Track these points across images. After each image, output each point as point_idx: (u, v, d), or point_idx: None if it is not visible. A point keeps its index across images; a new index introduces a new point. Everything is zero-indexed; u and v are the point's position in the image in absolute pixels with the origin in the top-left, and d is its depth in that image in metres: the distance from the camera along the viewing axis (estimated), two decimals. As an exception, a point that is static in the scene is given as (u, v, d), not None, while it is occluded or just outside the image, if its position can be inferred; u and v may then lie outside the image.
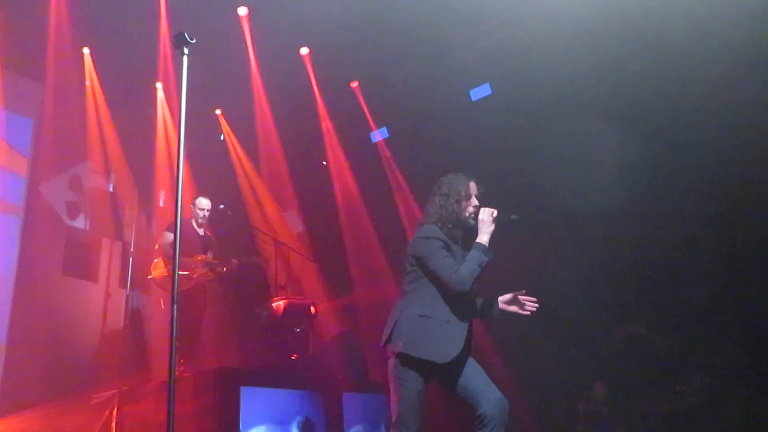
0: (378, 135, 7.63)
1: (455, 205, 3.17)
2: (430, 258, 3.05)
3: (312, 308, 6.28)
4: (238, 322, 6.44)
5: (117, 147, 6.89)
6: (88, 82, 6.61)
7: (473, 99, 7.02)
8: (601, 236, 6.09)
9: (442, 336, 3.00)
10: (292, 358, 5.89)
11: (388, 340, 3.10)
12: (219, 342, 5.87)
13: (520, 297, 3.21)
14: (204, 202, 5.87)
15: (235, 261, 5.93)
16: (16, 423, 5.09)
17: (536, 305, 3.19)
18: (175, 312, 2.69)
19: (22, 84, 6.42)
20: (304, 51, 6.89)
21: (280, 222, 7.40)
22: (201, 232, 5.93)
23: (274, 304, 6.17)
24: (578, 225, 6.15)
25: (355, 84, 7.26)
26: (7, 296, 5.99)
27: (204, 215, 5.85)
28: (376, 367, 5.75)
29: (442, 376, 3.07)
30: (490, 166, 6.15)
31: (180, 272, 5.34)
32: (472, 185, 3.24)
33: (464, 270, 3.01)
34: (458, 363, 3.04)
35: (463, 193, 3.18)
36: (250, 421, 4.75)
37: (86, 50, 6.53)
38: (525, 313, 3.19)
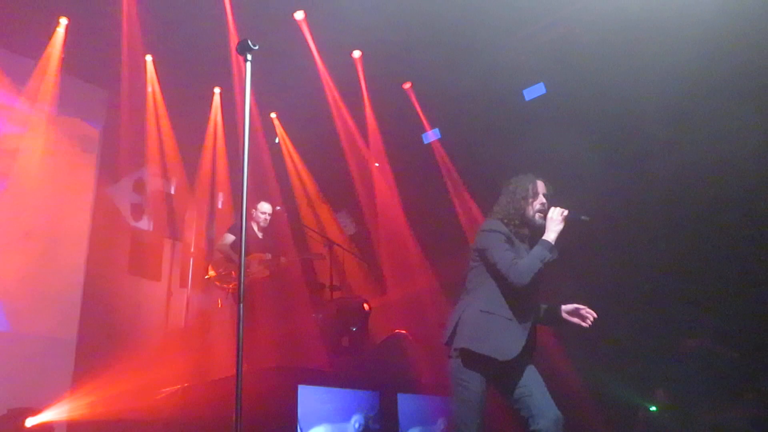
0: (431, 136, 7.59)
1: (521, 202, 3.15)
2: (489, 249, 3.04)
3: (365, 305, 6.31)
4: (293, 321, 6.45)
5: (176, 151, 7.08)
6: (150, 89, 6.82)
7: (527, 98, 6.91)
8: (667, 242, 5.82)
9: (505, 333, 2.97)
10: (348, 357, 5.93)
11: (451, 337, 3.07)
12: (276, 341, 5.86)
13: (581, 311, 3.16)
14: (265, 207, 6.07)
15: (284, 259, 6.05)
16: (87, 412, 5.33)
17: (594, 316, 3.14)
18: (242, 311, 2.74)
19: (89, 90, 6.72)
20: (356, 54, 6.90)
21: (332, 223, 7.46)
22: (260, 235, 6.09)
23: (328, 305, 6.30)
24: (644, 230, 5.91)
25: (407, 85, 7.23)
26: (78, 293, 6.22)
27: (265, 219, 6.04)
28: (429, 368, 5.80)
29: (503, 379, 3.02)
30: (544, 167, 6.15)
31: (232, 271, 5.70)
32: (540, 184, 3.22)
33: (524, 263, 2.98)
34: (519, 367, 3.00)
35: (530, 191, 3.16)
36: (308, 419, 4.76)
37: (149, 57, 6.73)
38: (585, 325, 3.14)
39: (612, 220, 5.63)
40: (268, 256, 5.98)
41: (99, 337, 6.12)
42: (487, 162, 6.74)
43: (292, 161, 7.64)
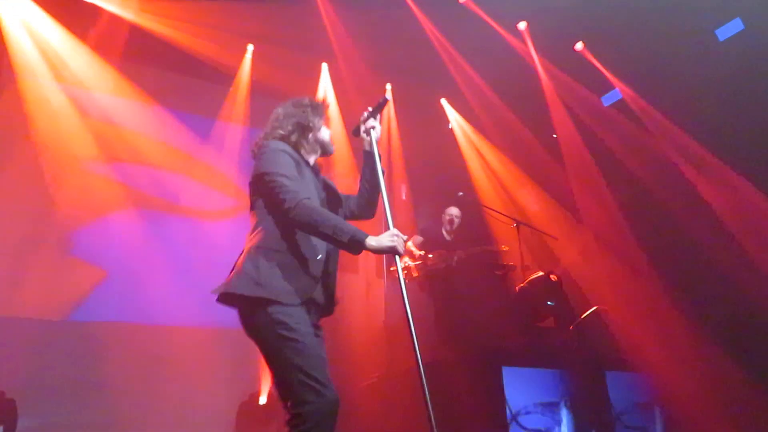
0: (611, 97, 7.10)
1: (314, 121, 2.87)
2: (270, 173, 2.68)
3: (552, 276, 6.12)
4: (487, 305, 6.28)
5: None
6: (322, 94, 7.27)
7: (721, 39, 6.19)
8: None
9: (289, 274, 2.59)
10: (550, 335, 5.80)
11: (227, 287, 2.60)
12: (474, 325, 5.84)
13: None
14: (454, 211, 6.26)
15: (456, 257, 6.07)
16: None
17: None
18: (408, 307, 2.79)
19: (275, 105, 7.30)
20: (522, 26, 6.73)
21: (516, 202, 7.32)
22: (449, 238, 6.27)
23: (518, 284, 6.20)
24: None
25: (580, 46, 6.80)
26: None
27: (451, 220, 6.22)
28: (634, 344, 5.50)
29: None
30: (739, 112, 5.49)
31: (413, 262, 5.94)
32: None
33: (317, 210, 2.54)
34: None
35: (319, 111, 2.89)
36: (516, 400, 4.76)
37: (324, 64, 7.24)
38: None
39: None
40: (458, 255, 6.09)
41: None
42: (677, 117, 6.29)
43: (470, 143, 7.57)
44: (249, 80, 6.84)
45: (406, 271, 6.18)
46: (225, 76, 6.76)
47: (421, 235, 6.21)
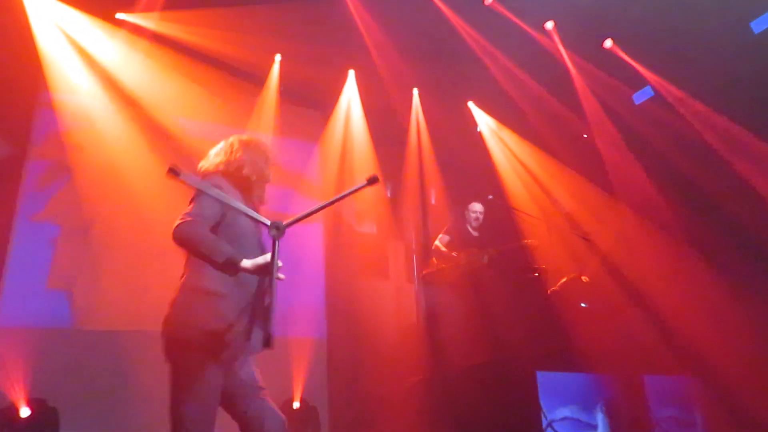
0: (642, 95, 6.92)
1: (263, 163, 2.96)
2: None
3: (583, 278, 6.08)
4: (520, 308, 6.23)
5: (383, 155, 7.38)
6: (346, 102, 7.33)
7: (756, 32, 6.02)
8: None
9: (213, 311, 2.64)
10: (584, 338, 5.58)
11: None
12: (506, 329, 5.70)
13: None
14: (477, 206, 6.32)
15: (485, 257, 6.09)
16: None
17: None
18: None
19: (302, 113, 7.46)
20: (549, 25, 6.65)
21: (549, 195, 7.22)
22: (475, 234, 6.33)
23: (548, 287, 6.13)
24: None
25: (609, 43, 6.64)
26: (322, 297, 6.89)
27: (476, 218, 6.28)
28: (672, 347, 5.33)
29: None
30: None
31: (444, 265, 5.98)
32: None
33: (201, 232, 2.60)
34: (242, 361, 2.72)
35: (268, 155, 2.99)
36: (552, 406, 4.71)
37: (351, 71, 7.28)
38: None
39: None
40: (486, 257, 6.08)
41: (344, 335, 6.72)
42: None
43: (500, 143, 7.51)
44: (277, 89, 6.91)
45: (439, 273, 6.20)
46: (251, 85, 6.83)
47: (447, 234, 6.30)
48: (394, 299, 7.42)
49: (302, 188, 7.11)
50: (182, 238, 2.53)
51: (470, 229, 6.33)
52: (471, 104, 7.67)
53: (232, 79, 6.58)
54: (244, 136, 3.00)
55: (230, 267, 2.50)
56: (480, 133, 7.64)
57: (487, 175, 7.34)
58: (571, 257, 6.67)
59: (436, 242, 6.33)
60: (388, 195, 7.52)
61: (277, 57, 6.91)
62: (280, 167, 6.71)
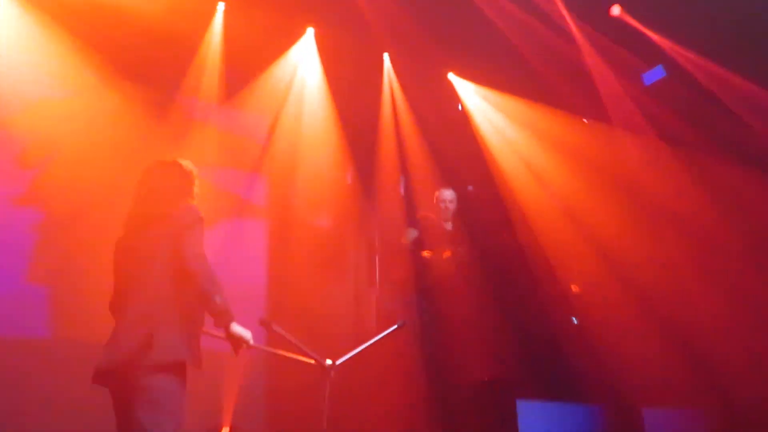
0: (652, 75, 6.58)
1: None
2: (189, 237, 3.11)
3: (573, 286, 6.10)
4: (498, 322, 5.97)
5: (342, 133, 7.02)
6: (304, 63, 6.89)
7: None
8: None
9: None
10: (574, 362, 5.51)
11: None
12: (488, 347, 5.52)
13: None
14: (447, 194, 6.05)
15: (463, 248, 5.84)
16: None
17: None
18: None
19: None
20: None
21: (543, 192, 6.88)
22: (449, 226, 6.03)
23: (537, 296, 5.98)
24: None
25: (616, 10, 6.18)
26: (262, 304, 6.48)
27: (446, 207, 6.00)
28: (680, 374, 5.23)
29: None
30: None
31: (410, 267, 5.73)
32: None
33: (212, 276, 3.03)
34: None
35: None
36: (532, 438, 4.59)
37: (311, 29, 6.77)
38: None
39: None
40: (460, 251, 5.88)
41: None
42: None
43: (492, 128, 7.10)
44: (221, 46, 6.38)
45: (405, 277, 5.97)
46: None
47: (415, 226, 6.04)
48: (353, 306, 7.10)
49: (252, 166, 6.80)
50: (202, 274, 2.91)
51: (442, 222, 6.03)
52: (452, 76, 7.29)
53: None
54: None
55: (226, 318, 2.99)
56: (462, 112, 7.28)
57: (470, 160, 6.98)
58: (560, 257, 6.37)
59: (403, 239, 6.09)
60: (349, 181, 7.20)
61: (220, 6, 6.33)
62: (229, 141, 6.64)
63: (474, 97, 7.17)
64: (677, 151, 6.29)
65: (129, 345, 2.81)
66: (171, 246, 2.93)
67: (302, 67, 6.81)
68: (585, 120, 6.79)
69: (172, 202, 3.12)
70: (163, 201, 3.13)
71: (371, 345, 3.76)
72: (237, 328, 3.01)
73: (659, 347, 5.46)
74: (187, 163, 3.33)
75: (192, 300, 2.94)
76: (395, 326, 3.58)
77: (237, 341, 3.03)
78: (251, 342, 3.06)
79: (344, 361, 3.22)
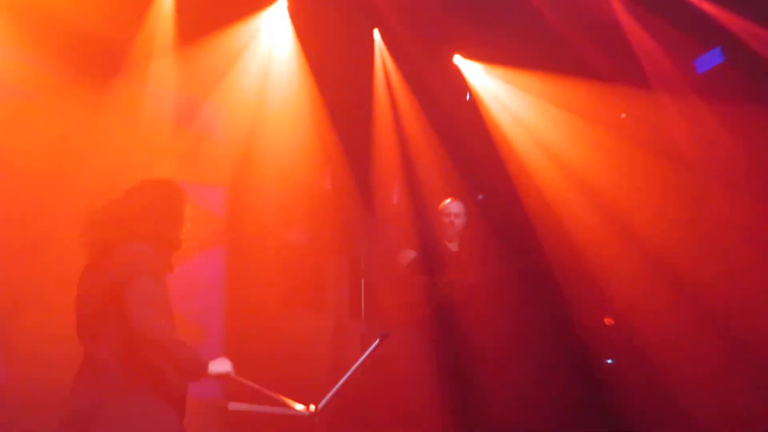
0: (707, 61, 6.16)
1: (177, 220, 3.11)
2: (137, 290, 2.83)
3: (607, 320, 5.99)
4: (516, 363, 5.82)
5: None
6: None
7: None
8: None
9: None
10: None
11: None
12: (491, 398, 5.36)
13: None
14: (453, 207, 5.83)
15: (473, 274, 5.69)
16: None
17: None
18: None
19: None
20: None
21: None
22: (454, 246, 5.82)
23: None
24: None
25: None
26: (217, 337, 6.19)
27: (452, 222, 5.79)
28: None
29: None
30: None
31: (406, 298, 5.63)
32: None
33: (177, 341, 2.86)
34: None
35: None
36: None
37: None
38: None
39: None
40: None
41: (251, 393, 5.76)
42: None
43: (512, 118, 6.73)
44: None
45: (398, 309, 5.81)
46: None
47: (413, 248, 5.93)
48: (331, 341, 6.77)
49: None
50: (158, 342, 2.69)
51: (448, 243, 5.82)
52: (458, 59, 6.91)
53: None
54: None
55: (200, 370, 2.80)
56: (472, 102, 6.91)
57: (482, 161, 6.70)
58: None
59: (399, 260, 5.95)
60: (328, 186, 6.97)
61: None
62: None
63: (487, 81, 6.81)
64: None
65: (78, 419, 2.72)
66: (117, 300, 2.73)
67: (271, 42, 6.39)
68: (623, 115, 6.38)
69: (125, 239, 2.89)
70: (118, 235, 2.89)
71: (355, 371, 3.49)
72: (214, 369, 2.81)
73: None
74: (168, 184, 3.10)
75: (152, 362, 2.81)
76: (377, 341, 3.39)
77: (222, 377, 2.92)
78: (232, 374, 2.89)
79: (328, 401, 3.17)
